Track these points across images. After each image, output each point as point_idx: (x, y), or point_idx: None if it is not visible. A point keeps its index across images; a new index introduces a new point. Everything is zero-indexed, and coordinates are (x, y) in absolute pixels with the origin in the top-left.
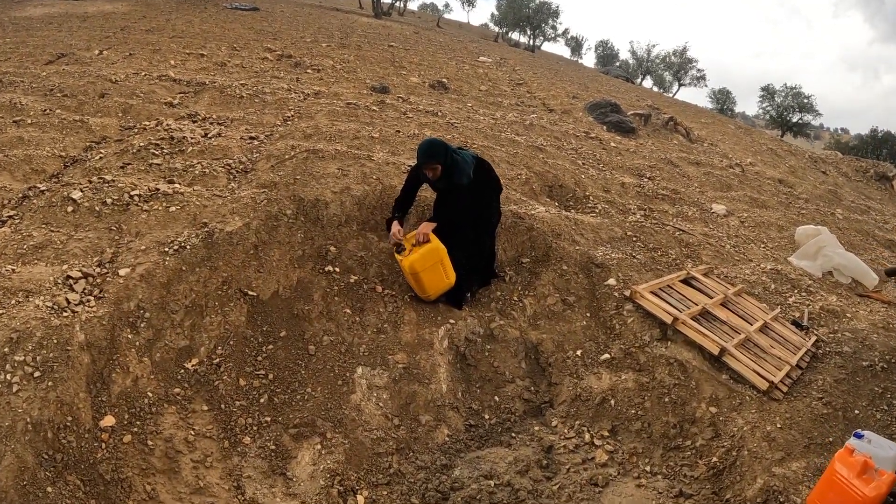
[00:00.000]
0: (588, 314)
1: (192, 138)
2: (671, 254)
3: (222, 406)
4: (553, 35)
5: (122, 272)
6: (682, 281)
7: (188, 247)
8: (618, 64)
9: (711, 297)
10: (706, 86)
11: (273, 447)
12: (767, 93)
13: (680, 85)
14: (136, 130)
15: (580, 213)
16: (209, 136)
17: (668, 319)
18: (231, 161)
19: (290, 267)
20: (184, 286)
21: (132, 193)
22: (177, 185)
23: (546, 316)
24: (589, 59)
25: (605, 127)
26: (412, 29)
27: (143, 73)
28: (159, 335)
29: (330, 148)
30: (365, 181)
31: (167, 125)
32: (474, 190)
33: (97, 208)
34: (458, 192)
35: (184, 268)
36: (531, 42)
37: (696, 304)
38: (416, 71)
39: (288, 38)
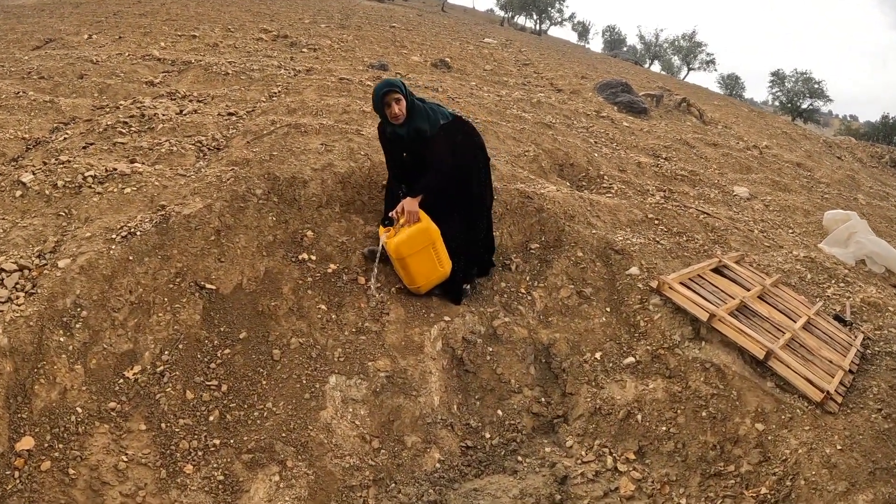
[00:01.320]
0: (608, 309)
1: (164, 115)
2: (697, 239)
3: (163, 425)
4: (560, 19)
5: (61, 263)
6: (713, 270)
7: (138, 233)
8: (625, 49)
9: (748, 289)
10: (715, 70)
11: (221, 478)
12: (778, 78)
13: (689, 69)
14: (107, 110)
15: (595, 194)
16: (184, 112)
17: (704, 316)
18: (203, 138)
19: (258, 255)
20: (129, 279)
21: (86, 175)
22: (137, 165)
23: (559, 311)
24: (596, 44)
25: (616, 107)
26: (415, 12)
27: (126, 54)
28: (97, 338)
29: (315, 122)
30: (351, 157)
31: (141, 103)
32: (454, 153)
33: (47, 192)
34: (429, 147)
35: (131, 257)
36: (538, 26)
37: (733, 297)
38: (419, 51)
39: (286, 19)
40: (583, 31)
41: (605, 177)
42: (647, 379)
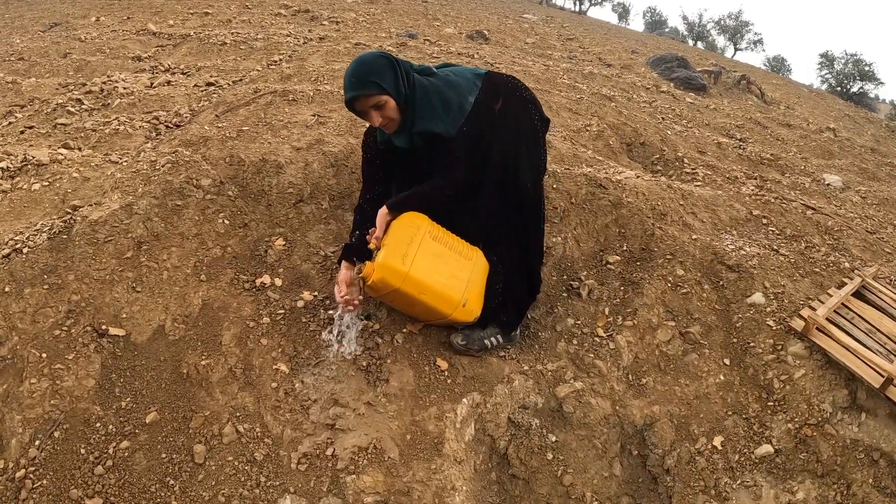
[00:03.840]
0: (726, 361)
1: (126, 90)
2: (816, 244)
3: None
4: (600, 0)
5: None
6: (853, 294)
7: (26, 250)
8: (667, 30)
9: None
10: (763, 51)
11: None
12: (826, 59)
13: (736, 49)
14: (70, 88)
15: (679, 181)
16: (154, 85)
17: (877, 381)
18: (164, 114)
19: (193, 280)
20: None
21: None
22: (62, 152)
23: (656, 366)
24: (636, 25)
25: (672, 83)
26: None
27: (120, 31)
28: None
29: (309, 89)
30: (351, 131)
31: (109, 79)
32: (496, 127)
33: None
34: (447, 149)
35: (7, 288)
36: (577, 6)
37: (891, 338)
38: (453, 23)
39: None
40: (623, 11)
41: (686, 159)
42: (790, 480)
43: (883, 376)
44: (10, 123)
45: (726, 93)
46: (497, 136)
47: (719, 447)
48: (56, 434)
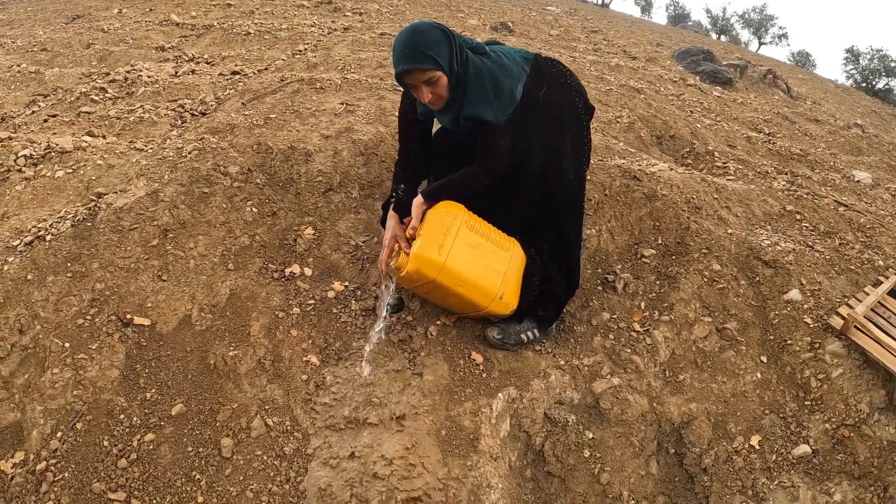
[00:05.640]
0: (763, 358)
1: (150, 79)
2: (850, 241)
3: None
4: None
5: None
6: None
7: (49, 237)
8: (690, 23)
9: None
10: (788, 45)
11: None
12: (852, 55)
13: (760, 43)
14: (94, 77)
15: (711, 175)
16: (178, 74)
17: None
18: (189, 101)
19: (220, 269)
20: (21, 311)
21: (20, 155)
22: (86, 139)
23: (693, 363)
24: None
25: (698, 76)
26: None
27: (143, 22)
28: None
29: (336, 77)
30: (381, 120)
31: (133, 68)
32: (540, 116)
33: None
34: (490, 134)
35: (30, 276)
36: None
37: None
38: (476, 14)
39: None
40: (646, 5)
41: (716, 153)
42: (827, 482)
43: None
44: (33, 112)
45: (752, 87)
46: (541, 126)
47: (756, 447)
48: (78, 425)
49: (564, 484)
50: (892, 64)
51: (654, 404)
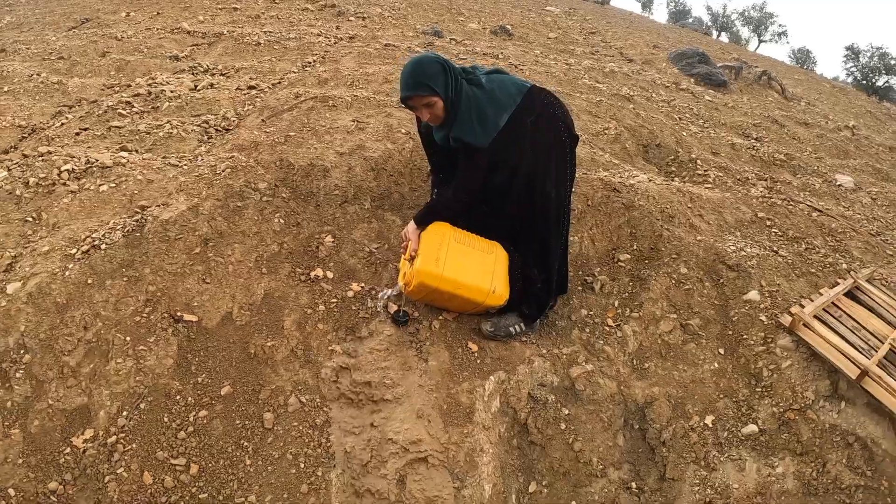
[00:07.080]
0: (721, 350)
1: (172, 93)
2: (817, 246)
3: None
4: None
5: (10, 289)
6: (845, 294)
7: (104, 246)
8: (691, 20)
9: (890, 322)
10: (787, 43)
11: None
12: (852, 52)
13: (760, 41)
14: (117, 89)
15: (691, 184)
16: (198, 88)
17: (853, 373)
18: (212, 117)
19: (255, 272)
20: (85, 310)
21: (63, 169)
22: (123, 155)
23: (658, 353)
24: (660, 15)
25: (693, 79)
26: None
27: (155, 29)
28: (41, 391)
29: (347, 95)
30: (389, 137)
31: (154, 80)
32: (530, 141)
33: (18, 192)
34: (472, 152)
35: (90, 280)
36: None
37: (876, 337)
38: (476, 18)
39: None
40: (646, 1)
41: (699, 161)
42: (772, 457)
43: (860, 369)
44: (62, 125)
45: (747, 89)
46: (528, 148)
47: (710, 425)
48: (142, 406)
49: (544, 451)
50: (892, 62)
51: (622, 387)
